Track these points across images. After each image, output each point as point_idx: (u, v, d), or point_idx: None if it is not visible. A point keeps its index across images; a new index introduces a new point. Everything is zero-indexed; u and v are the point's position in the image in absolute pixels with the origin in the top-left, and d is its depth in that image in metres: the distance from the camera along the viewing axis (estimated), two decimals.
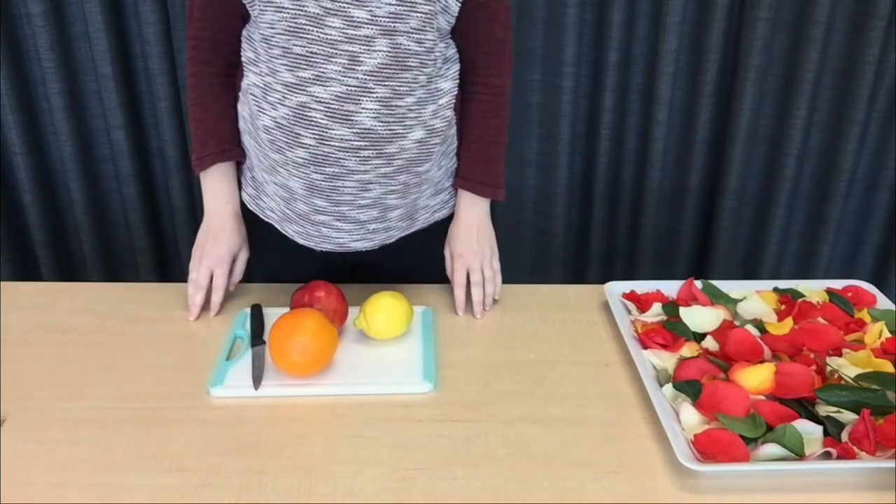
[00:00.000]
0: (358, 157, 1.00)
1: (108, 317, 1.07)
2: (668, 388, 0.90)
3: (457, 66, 1.08)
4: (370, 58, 0.96)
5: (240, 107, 1.10)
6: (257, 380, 0.93)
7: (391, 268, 1.18)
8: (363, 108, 0.98)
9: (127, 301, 1.12)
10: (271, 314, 1.05)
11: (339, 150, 1.00)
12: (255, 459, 0.82)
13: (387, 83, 0.98)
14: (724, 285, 1.10)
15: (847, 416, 0.85)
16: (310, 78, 0.97)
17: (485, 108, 1.12)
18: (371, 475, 0.80)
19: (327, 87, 0.97)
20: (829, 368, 0.92)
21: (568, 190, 1.89)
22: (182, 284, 1.14)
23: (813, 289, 1.11)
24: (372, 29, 0.95)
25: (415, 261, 1.18)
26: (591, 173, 1.90)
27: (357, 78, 0.97)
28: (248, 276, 1.17)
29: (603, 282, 1.13)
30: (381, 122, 0.99)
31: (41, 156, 1.82)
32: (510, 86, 1.14)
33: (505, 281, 1.16)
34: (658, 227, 1.92)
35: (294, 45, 0.96)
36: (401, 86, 0.99)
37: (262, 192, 1.13)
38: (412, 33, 0.97)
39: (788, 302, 1.07)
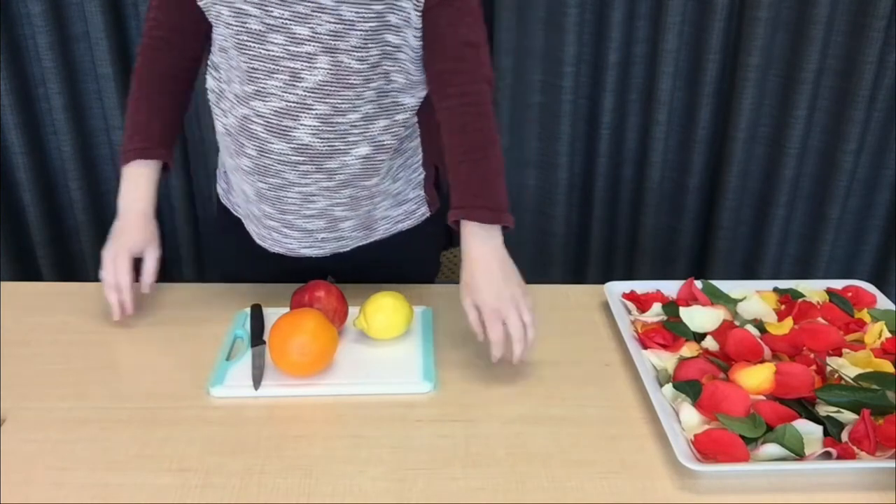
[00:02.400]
0: (297, 171, 1.01)
1: (108, 317, 1.07)
2: (668, 388, 0.90)
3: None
4: (311, 75, 0.95)
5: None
6: (257, 380, 0.93)
7: (354, 276, 1.16)
8: (301, 125, 0.98)
9: None
10: (271, 314, 1.05)
11: (278, 164, 1.00)
12: (255, 459, 0.82)
13: (327, 100, 0.97)
14: (724, 285, 1.10)
15: (847, 416, 0.85)
16: (252, 92, 0.97)
17: (464, 122, 0.99)
18: (371, 475, 0.80)
19: (267, 102, 0.97)
20: (829, 368, 0.92)
21: (568, 190, 1.90)
22: (183, 284, 1.14)
23: (813, 289, 1.11)
24: (314, 46, 0.94)
25: (376, 270, 1.16)
26: (591, 173, 1.90)
27: (297, 94, 0.96)
28: (242, 277, 1.17)
29: (603, 282, 1.13)
30: (320, 138, 0.99)
31: (41, 156, 1.82)
32: (491, 94, 1.01)
33: None
34: (658, 227, 1.92)
35: (240, 60, 0.97)
36: (342, 103, 0.97)
37: (231, 188, 1.15)
38: (353, 51, 0.95)
39: (788, 302, 1.07)
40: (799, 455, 0.79)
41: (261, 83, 0.97)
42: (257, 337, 1.00)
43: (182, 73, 1.08)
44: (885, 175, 1.83)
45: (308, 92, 0.96)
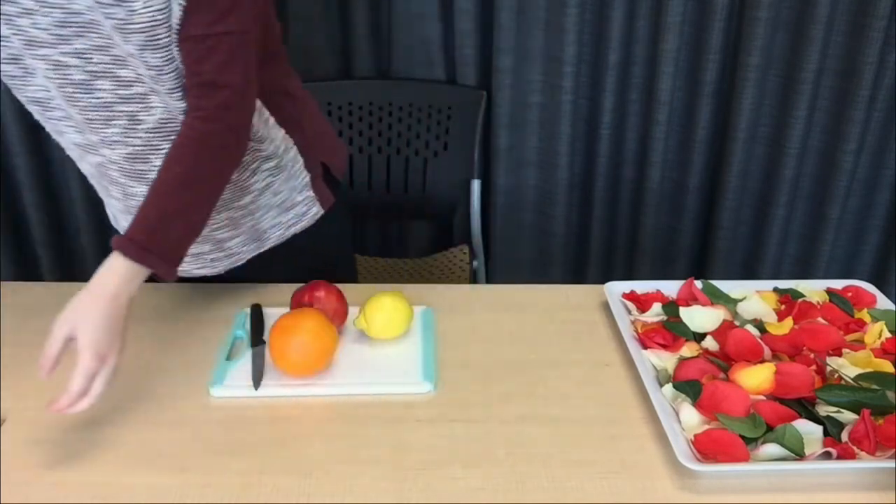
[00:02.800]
0: None
1: None
2: (668, 388, 0.90)
3: None
4: (149, 115, 0.94)
5: None
6: (257, 380, 0.93)
7: (260, 279, 1.16)
8: (154, 166, 0.97)
9: None
10: (271, 314, 1.05)
11: None
12: (255, 459, 0.82)
13: (171, 137, 0.95)
14: (724, 285, 1.10)
15: (847, 416, 0.85)
16: (97, 141, 0.96)
17: (177, 154, 0.90)
18: (371, 475, 0.80)
19: (114, 149, 0.96)
20: (829, 368, 0.92)
21: (568, 190, 1.90)
22: (183, 284, 1.14)
23: (813, 289, 1.11)
24: (141, 87, 0.92)
25: (279, 273, 1.15)
26: (591, 173, 1.90)
27: (141, 137, 0.95)
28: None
29: (603, 282, 1.13)
30: None
31: (41, 156, 1.82)
32: (229, 137, 0.92)
33: (505, 281, 1.16)
34: (658, 227, 1.92)
35: (72, 111, 0.94)
36: None
37: (116, 219, 1.14)
38: (172, 93, 0.93)
39: (788, 302, 1.07)
40: (799, 455, 0.79)
41: (102, 132, 0.95)
42: (257, 337, 1.00)
43: None
44: (885, 175, 1.83)
45: (151, 133, 0.95)
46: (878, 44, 1.64)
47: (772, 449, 0.80)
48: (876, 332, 0.99)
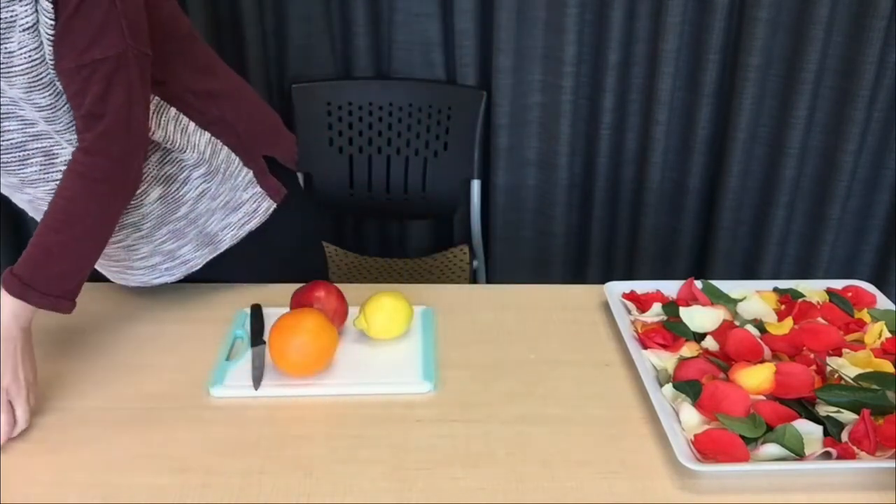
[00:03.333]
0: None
1: (108, 317, 1.07)
2: (668, 388, 0.90)
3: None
4: (62, 149, 0.93)
5: None
6: (257, 380, 0.93)
7: (223, 279, 1.15)
8: None
9: (127, 301, 1.11)
10: (271, 314, 1.05)
11: None
12: (255, 459, 0.82)
13: None
14: (724, 285, 1.10)
15: (847, 416, 0.85)
16: (18, 183, 0.96)
17: (61, 188, 0.89)
18: (371, 475, 0.80)
19: (37, 187, 0.96)
20: (829, 368, 0.92)
21: (568, 190, 1.90)
22: (183, 284, 1.14)
23: (813, 289, 1.11)
24: (45, 125, 0.91)
25: (244, 271, 1.15)
26: (591, 173, 1.90)
27: (60, 171, 0.95)
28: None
29: (603, 282, 1.13)
30: None
31: None
32: (108, 170, 0.90)
33: (505, 281, 1.16)
34: (658, 227, 1.92)
35: None
36: None
37: None
38: (69, 129, 0.91)
39: (788, 302, 1.07)
40: (799, 455, 0.79)
41: (20, 173, 0.95)
42: (257, 337, 1.00)
43: None
44: (885, 175, 1.83)
45: (67, 165, 0.91)
46: (878, 44, 1.64)
47: (772, 449, 0.80)
48: (876, 332, 0.99)
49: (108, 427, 0.87)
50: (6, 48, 0.83)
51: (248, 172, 1.10)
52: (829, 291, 1.10)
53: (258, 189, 1.12)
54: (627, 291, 1.11)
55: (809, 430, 0.82)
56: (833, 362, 0.92)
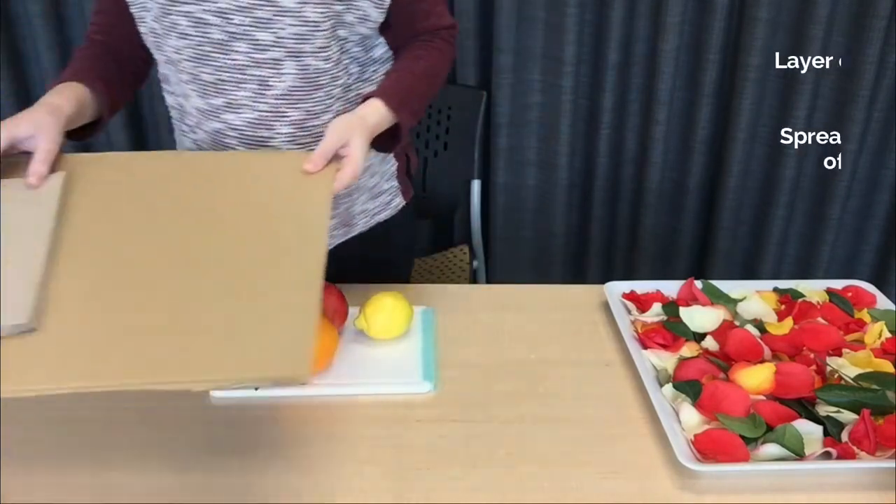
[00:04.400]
0: None
1: None
2: (668, 388, 0.90)
3: (385, 67, 1.07)
4: (279, 81, 0.95)
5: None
6: None
7: (335, 276, 1.16)
8: (277, 133, 0.98)
9: None
10: None
11: None
12: (255, 459, 0.82)
13: (299, 105, 0.97)
14: (724, 285, 1.10)
15: (847, 416, 0.85)
16: (222, 105, 0.97)
17: (417, 53, 1.04)
18: (371, 475, 0.80)
19: (240, 113, 0.97)
20: (829, 368, 0.92)
21: (568, 190, 1.90)
22: None
23: (813, 289, 1.11)
24: (278, 52, 0.93)
25: (359, 266, 1.15)
26: (591, 173, 1.90)
27: (268, 103, 0.96)
28: None
29: (603, 282, 1.13)
30: (298, 144, 0.98)
31: None
32: (450, 36, 1.08)
33: (505, 281, 1.16)
34: (658, 227, 1.92)
35: (202, 71, 0.95)
36: (315, 105, 0.98)
37: None
38: (318, 52, 0.95)
39: (788, 302, 1.07)
40: (799, 455, 0.79)
41: (230, 95, 0.96)
42: None
43: (127, 75, 1.04)
44: (885, 175, 1.83)
45: (279, 99, 0.96)
46: (878, 44, 1.64)
47: (772, 449, 0.80)
48: (876, 332, 0.99)
49: (108, 427, 0.87)
50: None
51: (395, 164, 1.14)
52: (829, 291, 1.10)
53: (395, 183, 1.16)
54: (627, 291, 1.11)
55: (809, 430, 0.82)
56: (833, 362, 0.92)
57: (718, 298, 1.07)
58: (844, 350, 0.95)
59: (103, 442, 0.84)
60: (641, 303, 1.08)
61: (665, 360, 0.95)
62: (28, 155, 0.87)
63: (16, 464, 0.81)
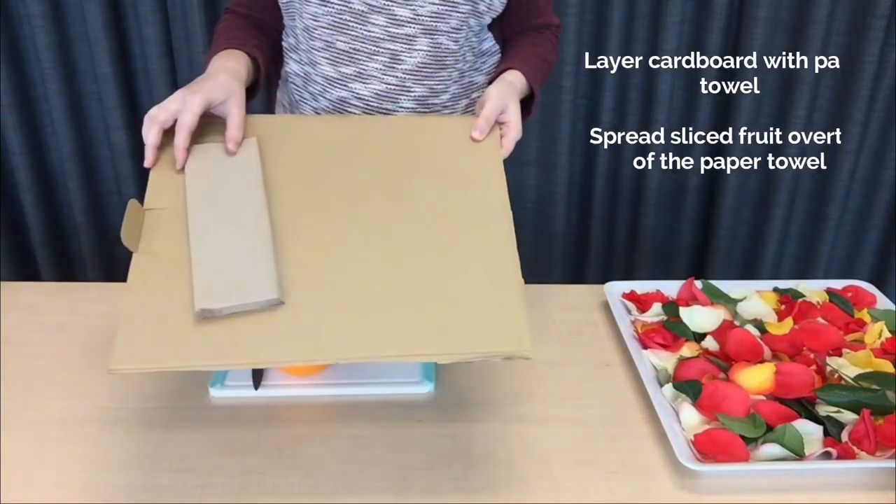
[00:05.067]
0: None
1: (108, 317, 1.07)
2: (668, 388, 0.90)
3: (494, 59, 1.09)
4: (411, 56, 0.97)
5: (279, 94, 1.10)
6: (257, 380, 0.93)
7: None
8: (401, 107, 1.00)
9: None
10: None
11: None
12: (255, 459, 0.82)
13: (424, 82, 0.99)
14: (724, 285, 1.10)
15: (847, 416, 0.85)
16: (351, 74, 0.98)
17: (534, 41, 1.08)
18: (371, 475, 0.80)
19: (368, 84, 0.99)
20: (829, 368, 0.92)
21: (568, 190, 1.89)
22: None
23: (813, 289, 1.11)
24: (414, 28, 0.96)
25: None
26: (591, 173, 1.90)
27: (397, 77, 0.98)
28: None
29: (603, 282, 1.13)
30: None
31: (41, 156, 1.81)
32: (557, 52, 1.14)
33: None
34: (658, 227, 1.92)
35: (337, 39, 0.97)
36: (438, 84, 1.00)
37: None
38: (451, 32, 0.98)
39: (788, 302, 1.07)
40: (799, 455, 0.79)
41: (361, 65, 0.98)
42: None
43: (270, 42, 1.05)
44: (885, 175, 1.83)
45: (407, 74, 0.98)
46: (878, 44, 1.64)
47: (772, 449, 0.80)
48: (876, 332, 0.99)
49: (108, 427, 0.87)
50: None
51: None
52: (829, 291, 1.10)
53: None
54: (627, 291, 1.11)
55: (809, 430, 0.82)
56: (833, 362, 0.92)
57: (718, 298, 1.07)
58: (844, 350, 0.95)
59: (104, 442, 0.84)
60: (641, 303, 1.08)
61: (665, 360, 0.95)
62: (211, 116, 0.88)
63: (16, 464, 0.81)
